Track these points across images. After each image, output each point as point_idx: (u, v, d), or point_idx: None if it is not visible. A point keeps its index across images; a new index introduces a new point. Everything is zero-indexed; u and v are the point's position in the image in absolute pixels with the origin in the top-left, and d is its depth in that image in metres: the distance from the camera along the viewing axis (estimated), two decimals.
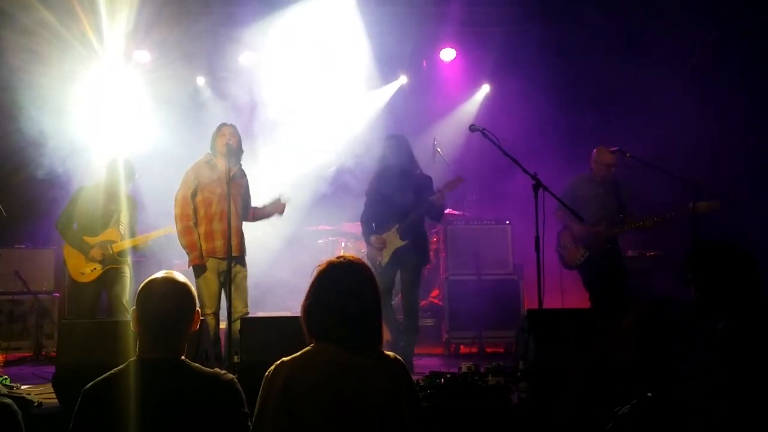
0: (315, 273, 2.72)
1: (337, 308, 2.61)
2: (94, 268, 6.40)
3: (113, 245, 6.44)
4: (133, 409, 2.40)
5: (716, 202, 6.09)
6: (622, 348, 2.57)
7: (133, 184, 6.78)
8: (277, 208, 6.27)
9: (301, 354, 2.61)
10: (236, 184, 5.94)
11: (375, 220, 6.57)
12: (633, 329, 2.54)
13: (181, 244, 5.89)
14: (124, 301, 6.42)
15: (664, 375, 2.46)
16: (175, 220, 5.90)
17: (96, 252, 6.36)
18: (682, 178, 6.09)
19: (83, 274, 6.41)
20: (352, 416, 2.47)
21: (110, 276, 6.45)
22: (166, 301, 2.57)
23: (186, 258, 5.98)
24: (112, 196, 6.49)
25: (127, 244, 6.49)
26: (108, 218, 6.48)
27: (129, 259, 6.58)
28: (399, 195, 6.33)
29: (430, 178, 6.56)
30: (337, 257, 2.76)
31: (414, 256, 6.38)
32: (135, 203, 6.71)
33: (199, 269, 5.84)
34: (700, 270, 2.97)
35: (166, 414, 2.42)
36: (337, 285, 2.66)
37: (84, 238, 6.41)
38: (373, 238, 6.47)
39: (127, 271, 6.56)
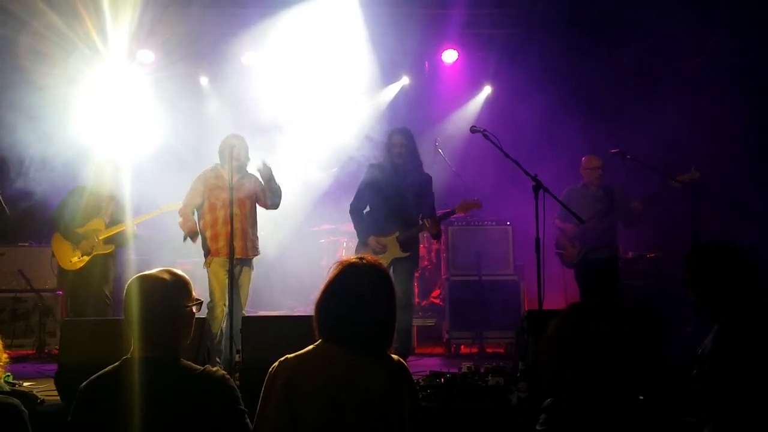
0: (332, 271, 2.65)
1: (349, 311, 2.55)
2: (82, 256, 6.76)
3: (98, 233, 6.81)
4: (127, 406, 2.40)
5: (695, 173, 6.14)
6: (544, 355, 2.48)
7: (130, 184, 7.02)
8: (263, 172, 6.19)
9: (305, 352, 2.59)
10: (241, 190, 6.15)
11: (371, 215, 6.40)
12: (552, 337, 2.45)
13: (182, 229, 6.25)
14: (107, 292, 6.84)
15: (579, 378, 2.37)
16: (179, 214, 6.29)
17: (86, 245, 6.76)
18: (681, 180, 6.13)
19: (71, 261, 6.81)
20: (351, 418, 2.46)
21: (97, 264, 6.80)
22: (147, 299, 2.53)
23: (188, 257, 6.16)
24: (98, 194, 6.88)
25: (111, 231, 6.84)
26: (94, 212, 6.85)
27: (115, 253, 6.94)
28: (402, 196, 6.24)
29: (430, 178, 6.46)
30: (358, 257, 2.69)
31: (408, 266, 6.31)
32: (122, 201, 6.94)
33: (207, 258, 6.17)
34: (697, 271, 3.00)
35: (159, 412, 2.41)
36: (353, 287, 2.59)
37: (72, 229, 6.80)
38: (372, 239, 6.25)
39: (111, 265, 6.94)
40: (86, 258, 6.78)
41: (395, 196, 6.26)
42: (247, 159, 6.27)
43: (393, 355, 2.66)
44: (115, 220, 6.88)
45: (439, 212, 6.47)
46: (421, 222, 6.25)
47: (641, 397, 2.39)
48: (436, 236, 6.66)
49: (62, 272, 6.98)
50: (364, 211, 6.45)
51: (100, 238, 6.82)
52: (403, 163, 6.29)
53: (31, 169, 7.34)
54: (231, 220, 5.66)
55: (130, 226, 6.84)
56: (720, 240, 3.05)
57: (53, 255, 6.99)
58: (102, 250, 6.83)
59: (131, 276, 2.62)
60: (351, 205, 6.50)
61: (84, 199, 6.83)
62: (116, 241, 6.88)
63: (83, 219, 6.82)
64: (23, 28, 7.61)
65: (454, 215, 6.50)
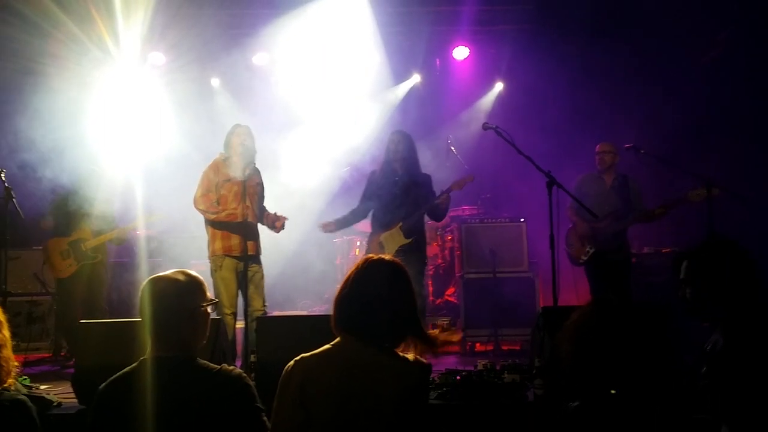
0: (353, 267, 2.74)
1: (368, 306, 2.61)
2: (71, 264, 6.73)
3: (85, 243, 6.76)
4: (145, 407, 2.42)
5: (714, 190, 6.05)
6: (562, 346, 2.51)
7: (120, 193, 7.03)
8: (274, 220, 6.17)
9: (321, 351, 2.61)
10: (251, 183, 6.02)
11: (375, 215, 6.48)
12: (572, 329, 2.48)
13: (224, 222, 5.90)
14: (101, 300, 6.84)
15: (598, 374, 2.40)
16: (206, 215, 5.97)
17: (72, 252, 6.73)
18: (694, 174, 6.09)
19: (61, 270, 6.77)
20: (366, 417, 2.48)
21: (86, 273, 6.76)
22: (160, 299, 2.55)
23: (202, 258, 6.09)
24: (88, 202, 6.76)
25: (97, 241, 6.79)
26: (80, 219, 6.78)
27: (105, 259, 6.95)
28: (403, 193, 6.29)
29: (429, 177, 6.52)
30: (378, 256, 2.77)
31: (415, 254, 6.26)
32: (109, 211, 6.87)
33: (217, 261, 5.91)
34: (695, 270, 2.85)
35: (177, 411, 2.44)
36: (374, 281, 2.66)
37: (57, 237, 6.80)
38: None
39: (102, 272, 6.92)
40: (75, 266, 6.72)
41: (396, 192, 6.32)
42: (255, 150, 6.07)
43: (410, 356, 2.67)
44: (101, 230, 6.80)
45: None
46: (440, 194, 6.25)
47: (613, 391, 2.40)
48: (444, 212, 6.54)
49: (58, 281, 6.93)
50: (370, 213, 6.59)
51: (87, 247, 6.75)
52: (402, 164, 6.36)
53: (43, 172, 7.33)
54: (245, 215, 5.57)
55: (117, 233, 6.84)
56: (718, 238, 2.97)
57: (44, 263, 6.95)
58: (89, 260, 6.76)
59: (144, 279, 2.63)
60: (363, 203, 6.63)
61: (68, 206, 6.75)
62: (102, 250, 6.86)
63: (69, 226, 6.77)
64: (36, 30, 7.63)
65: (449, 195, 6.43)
